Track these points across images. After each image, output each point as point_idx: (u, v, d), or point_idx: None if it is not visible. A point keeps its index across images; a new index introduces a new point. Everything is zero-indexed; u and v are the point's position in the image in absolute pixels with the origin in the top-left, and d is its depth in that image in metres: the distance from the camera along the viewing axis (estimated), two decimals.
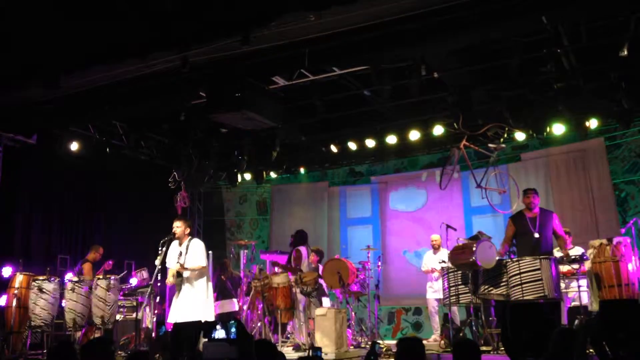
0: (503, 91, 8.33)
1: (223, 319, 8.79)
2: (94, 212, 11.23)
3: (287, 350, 7.69)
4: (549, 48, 7.04)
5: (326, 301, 8.99)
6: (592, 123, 9.07)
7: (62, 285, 8.34)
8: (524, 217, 7.10)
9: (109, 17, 6.01)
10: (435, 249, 9.20)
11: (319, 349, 3.89)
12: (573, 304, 7.54)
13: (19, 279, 8.38)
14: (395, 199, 12.12)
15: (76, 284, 8.13)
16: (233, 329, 2.92)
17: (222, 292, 9.29)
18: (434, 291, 9.09)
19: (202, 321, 6.38)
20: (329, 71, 7.90)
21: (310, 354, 4.01)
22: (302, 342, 7.98)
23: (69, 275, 8.91)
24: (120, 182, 11.22)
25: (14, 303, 8.20)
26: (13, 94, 7.50)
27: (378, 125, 10.19)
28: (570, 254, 7.23)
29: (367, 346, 8.34)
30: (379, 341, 8.42)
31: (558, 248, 7.46)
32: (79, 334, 8.18)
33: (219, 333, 2.97)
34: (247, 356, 2.82)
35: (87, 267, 8.96)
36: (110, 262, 9.32)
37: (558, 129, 9.07)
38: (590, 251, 7.03)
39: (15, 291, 8.29)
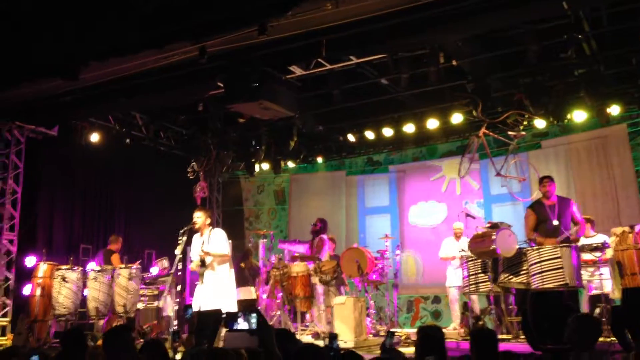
0: (522, 78, 8.24)
1: (239, 306, 8.88)
2: (114, 202, 11.37)
3: (307, 339, 7.73)
4: (569, 33, 6.93)
5: (343, 290, 9.02)
6: (614, 109, 8.93)
7: (84, 274, 8.47)
8: (542, 205, 7.03)
9: (127, 9, 6.05)
10: (458, 237, 9.15)
11: (336, 337, 3.89)
12: (594, 292, 7.47)
13: (43, 268, 8.54)
14: (413, 189, 12.10)
15: (98, 273, 8.26)
16: (254, 320, 2.94)
17: (239, 279, 9.34)
18: (454, 279, 9.05)
19: (224, 310, 6.44)
20: (346, 60, 7.88)
21: (327, 343, 4.01)
22: (321, 330, 8.02)
23: (92, 265, 9.05)
24: (140, 172, 11.34)
25: (38, 292, 8.36)
26: (34, 86, 7.58)
27: (396, 114, 10.15)
28: (592, 242, 7.16)
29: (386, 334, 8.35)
30: (396, 330, 8.45)
31: (583, 235, 7.38)
32: (101, 322, 8.30)
33: (241, 324, 3.00)
34: (268, 346, 2.85)
35: (115, 257, 9.05)
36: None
37: (579, 115, 8.96)
38: (612, 239, 6.95)
39: (39, 280, 8.45)
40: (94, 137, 9.80)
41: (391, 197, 12.33)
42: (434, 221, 11.54)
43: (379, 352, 5.04)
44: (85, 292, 8.37)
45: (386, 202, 12.37)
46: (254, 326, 2.91)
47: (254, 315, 2.93)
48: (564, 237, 6.68)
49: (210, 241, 6.90)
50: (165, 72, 7.24)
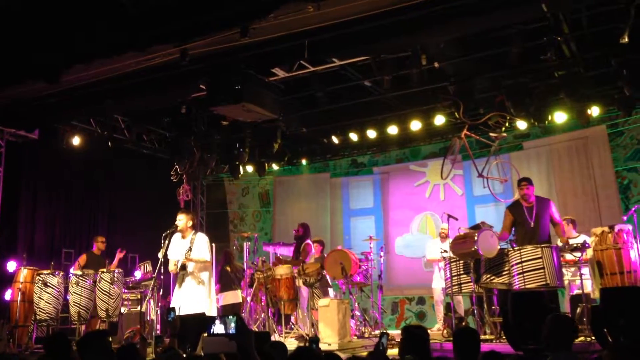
0: (504, 80, 8.30)
1: (227, 310, 8.83)
2: (97, 206, 11.28)
3: (291, 342, 7.72)
4: (549, 36, 7.00)
5: (331, 292, 9.03)
6: (594, 111, 9.03)
7: (66, 279, 8.40)
8: (520, 207, 7.10)
9: (109, 11, 6.01)
10: (443, 238, 9.20)
11: (317, 340, 3.90)
12: (576, 292, 7.55)
13: (24, 273, 8.45)
14: (397, 191, 12.13)
15: (80, 278, 8.19)
16: (232, 324, 2.93)
17: (226, 283, 9.30)
18: (440, 280, 9.09)
19: (206, 314, 6.41)
20: (329, 62, 7.88)
21: (308, 345, 4.01)
22: (305, 332, 8.02)
23: (73, 269, 8.97)
24: (122, 175, 11.26)
25: (19, 297, 8.26)
26: (14, 89, 7.51)
27: (379, 116, 10.18)
28: (572, 242, 7.23)
29: (371, 336, 8.37)
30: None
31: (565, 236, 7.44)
32: (84, 327, 8.23)
33: (218, 328, 2.98)
34: (247, 351, 2.84)
35: (82, 258, 9.04)
36: (122, 251, 9.36)
37: (560, 117, 9.06)
38: (592, 239, 7.02)
39: (20, 285, 8.36)
40: (76, 140, 9.71)
41: (375, 199, 12.37)
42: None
43: (363, 353, 5.05)
44: (67, 296, 8.30)
45: (371, 203, 12.40)
46: (232, 330, 2.90)
47: (232, 319, 2.92)
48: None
49: (193, 246, 6.87)
50: (147, 75, 7.21)
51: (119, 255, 9.26)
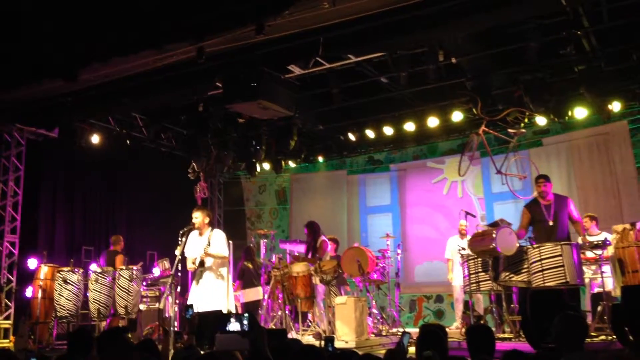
0: (522, 75, 8.20)
1: (249, 307, 8.84)
2: (115, 204, 11.38)
3: (308, 339, 7.71)
4: (568, 30, 6.90)
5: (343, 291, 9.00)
6: (615, 106, 8.90)
7: (86, 276, 8.48)
8: (538, 205, 6.99)
9: (125, 10, 6.05)
10: (462, 235, 9.12)
11: (333, 339, 3.87)
12: (597, 290, 7.43)
13: (44, 270, 8.56)
14: (414, 188, 12.06)
15: (99, 275, 8.27)
16: (245, 321, 2.93)
17: (248, 280, 9.32)
18: (460, 277, 9.01)
19: (223, 311, 6.43)
20: (345, 58, 7.86)
21: (323, 344, 3.99)
22: (322, 330, 8.00)
23: (93, 266, 9.05)
24: (140, 173, 11.34)
25: (40, 294, 8.38)
26: (33, 88, 7.59)
27: (396, 112, 10.12)
28: (593, 240, 7.12)
29: (388, 334, 8.34)
30: (399, 329, 8.44)
31: (587, 233, 7.34)
32: (103, 323, 8.31)
33: (234, 325, 2.98)
34: (259, 348, 2.83)
35: (119, 258, 9.04)
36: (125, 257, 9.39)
37: (580, 112, 8.92)
38: (613, 236, 6.91)
39: (41, 283, 8.48)
40: (95, 139, 9.80)
41: (392, 196, 12.31)
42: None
43: (381, 352, 5.02)
44: (87, 293, 8.38)
45: (387, 201, 12.35)
46: (245, 327, 2.90)
47: (245, 316, 2.92)
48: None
49: (210, 242, 6.88)
50: (164, 73, 7.24)
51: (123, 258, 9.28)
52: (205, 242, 6.89)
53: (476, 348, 3.57)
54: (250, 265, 9.48)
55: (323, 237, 9.02)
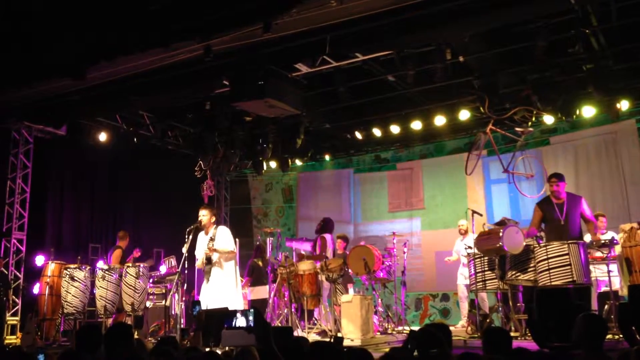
0: (530, 74, 8.17)
1: (257, 305, 8.87)
2: (123, 202, 11.44)
3: (314, 337, 7.72)
4: (577, 28, 6.86)
5: (351, 290, 8.99)
6: (623, 105, 8.85)
7: (93, 273, 8.52)
8: (550, 203, 6.95)
9: (133, 9, 6.07)
10: (462, 234, 9.12)
11: (342, 340, 3.88)
12: (604, 289, 7.40)
13: (51, 267, 8.61)
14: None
15: (106, 272, 8.30)
16: (251, 317, 2.94)
17: (257, 277, 9.35)
18: (464, 277, 9.01)
19: (230, 309, 6.44)
20: (352, 57, 7.84)
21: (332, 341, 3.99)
22: (328, 328, 8.02)
23: (100, 264, 9.09)
24: (147, 171, 11.38)
25: (47, 291, 8.43)
26: (41, 85, 7.62)
27: (403, 111, 10.10)
28: (601, 239, 7.09)
29: (394, 332, 8.34)
30: (405, 328, 8.43)
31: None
32: (110, 320, 8.35)
33: (240, 321, 2.99)
34: (266, 344, 2.84)
35: (116, 253, 9.12)
36: (138, 250, 9.45)
37: (588, 111, 8.87)
38: (620, 235, 6.88)
39: (48, 279, 8.53)
40: (102, 137, 9.84)
41: None
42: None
43: (386, 349, 5.02)
44: (94, 290, 8.42)
45: None
46: (251, 323, 2.91)
47: (251, 312, 2.93)
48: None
49: (215, 238, 6.91)
50: (171, 71, 7.26)
51: (134, 255, 9.33)
52: (210, 238, 6.93)
53: (492, 350, 3.55)
54: (260, 263, 9.52)
55: (324, 235, 9.03)
